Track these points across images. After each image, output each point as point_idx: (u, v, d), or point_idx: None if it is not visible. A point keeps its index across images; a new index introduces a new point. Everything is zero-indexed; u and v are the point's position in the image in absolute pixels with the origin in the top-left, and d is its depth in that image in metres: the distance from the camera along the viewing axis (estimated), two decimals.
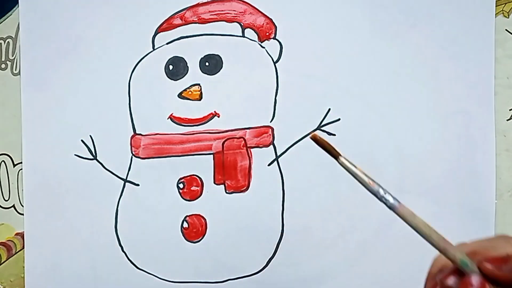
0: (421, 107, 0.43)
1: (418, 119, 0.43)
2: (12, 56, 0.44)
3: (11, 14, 0.44)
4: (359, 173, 0.29)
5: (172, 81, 0.43)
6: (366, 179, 0.29)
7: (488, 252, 0.26)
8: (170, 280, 0.44)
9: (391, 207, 0.29)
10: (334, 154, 0.31)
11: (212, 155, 0.43)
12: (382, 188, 0.29)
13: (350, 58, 0.42)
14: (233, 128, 0.43)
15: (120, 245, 0.44)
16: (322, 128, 0.43)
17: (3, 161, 0.45)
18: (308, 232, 0.43)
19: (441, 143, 0.43)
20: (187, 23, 0.43)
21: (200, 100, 0.43)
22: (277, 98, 0.43)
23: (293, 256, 0.44)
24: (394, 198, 0.29)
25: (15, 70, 0.44)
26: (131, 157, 0.44)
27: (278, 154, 0.44)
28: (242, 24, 0.43)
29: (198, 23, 0.43)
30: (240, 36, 0.43)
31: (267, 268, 0.44)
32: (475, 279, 0.26)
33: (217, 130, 0.43)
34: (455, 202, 0.43)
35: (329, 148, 0.31)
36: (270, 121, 0.43)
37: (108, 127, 0.44)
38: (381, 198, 0.29)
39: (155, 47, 0.43)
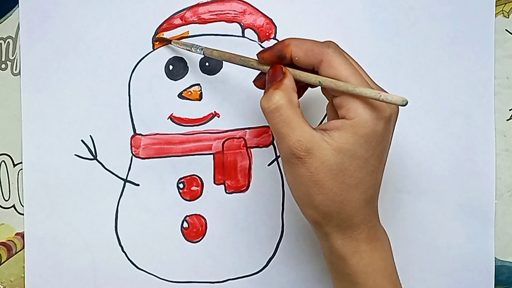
0: (421, 107, 0.43)
1: (418, 119, 0.43)
2: (12, 56, 0.44)
3: (11, 14, 0.44)
4: (180, 46, 0.41)
5: (172, 81, 0.43)
6: (185, 47, 0.41)
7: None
8: (170, 280, 0.44)
9: (204, 54, 0.39)
10: (167, 40, 0.42)
11: (212, 155, 0.43)
12: (195, 46, 0.40)
13: None
14: (233, 128, 0.43)
15: (120, 245, 0.44)
16: None
17: (3, 161, 0.45)
18: (308, 232, 0.43)
19: (441, 143, 0.43)
20: (187, 23, 0.43)
21: (200, 100, 0.43)
22: None
23: (293, 256, 0.44)
24: (201, 47, 0.39)
25: (15, 70, 0.44)
26: (131, 157, 0.44)
27: (278, 154, 0.44)
28: (242, 24, 0.43)
29: (198, 23, 0.43)
30: (240, 36, 0.43)
31: (267, 268, 0.44)
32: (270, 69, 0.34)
33: (217, 130, 0.43)
34: (455, 202, 0.43)
35: (162, 39, 0.43)
36: None
37: (108, 127, 0.44)
38: (195, 52, 0.40)
39: (155, 47, 0.43)
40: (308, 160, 0.31)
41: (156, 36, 0.43)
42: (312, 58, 0.33)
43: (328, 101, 0.36)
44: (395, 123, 0.33)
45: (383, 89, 0.33)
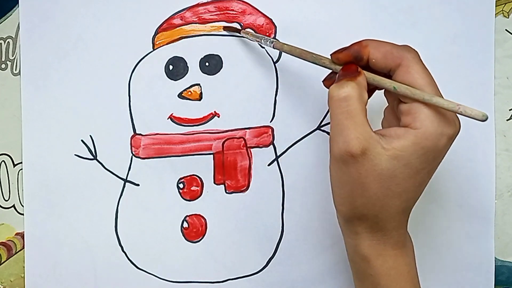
0: None
1: None
2: (12, 56, 0.44)
3: (11, 14, 0.44)
4: (250, 37, 0.41)
5: (172, 81, 0.43)
6: (255, 38, 0.41)
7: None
8: (170, 280, 0.44)
9: (274, 47, 0.38)
10: (237, 30, 0.42)
11: (212, 155, 0.43)
12: (265, 38, 0.39)
13: None
14: (233, 128, 0.43)
15: (120, 245, 0.44)
16: (322, 128, 0.43)
17: (3, 161, 0.45)
18: (308, 232, 0.43)
19: None
20: (187, 23, 0.43)
21: (200, 100, 0.43)
22: (277, 98, 0.43)
23: (293, 256, 0.44)
24: (271, 40, 0.39)
25: (15, 70, 0.44)
26: (131, 157, 0.44)
27: (278, 154, 0.44)
28: (242, 24, 0.43)
29: (198, 23, 0.43)
30: (240, 36, 0.43)
31: (267, 268, 0.44)
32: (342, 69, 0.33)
33: (217, 130, 0.43)
34: (455, 202, 0.43)
35: (232, 29, 0.43)
36: (270, 121, 0.43)
37: (108, 127, 0.44)
38: (265, 44, 0.39)
39: (155, 47, 0.43)
40: (361, 160, 0.30)
41: (226, 25, 0.43)
42: (391, 61, 0.32)
43: (387, 105, 0.35)
44: (453, 142, 0.32)
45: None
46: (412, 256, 0.35)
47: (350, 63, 0.33)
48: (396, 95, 0.32)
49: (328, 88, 0.34)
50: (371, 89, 0.35)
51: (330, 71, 0.35)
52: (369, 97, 0.36)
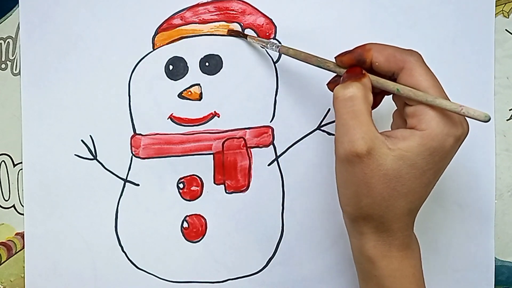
0: None
1: None
2: (12, 56, 0.44)
3: (11, 14, 0.44)
4: (255, 42, 0.42)
5: (172, 81, 0.43)
6: (260, 43, 0.41)
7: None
8: (170, 280, 0.44)
9: (280, 52, 0.39)
10: (242, 34, 0.42)
11: (212, 155, 0.43)
12: (270, 43, 0.40)
13: None
14: (233, 128, 0.43)
15: (120, 245, 0.44)
16: (322, 128, 0.43)
17: (3, 161, 0.45)
18: (308, 232, 0.43)
19: None
20: (187, 23, 0.43)
21: (200, 100, 0.43)
22: (277, 98, 0.43)
23: (293, 256, 0.44)
24: (277, 45, 0.39)
25: (15, 70, 0.44)
26: (131, 157, 0.44)
27: (278, 154, 0.44)
28: (242, 24, 0.43)
29: (198, 23, 0.43)
30: (240, 36, 0.43)
31: (267, 268, 0.44)
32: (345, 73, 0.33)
33: (217, 130, 0.43)
34: (455, 202, 0.43)
35: (237, 33, 0.42)
36: (270, 121, 0.43)
37: (108, 127, 0.44)
38: (271, 49, 0.40)
39: (155, 47, 0.43)
40: (366, 160, 0.30)
41: (230, 29, 0.43)
42: (394, 64, 0.32)
43: (396, 108, 0.35)
44: (461, 143, 0.32)
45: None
46: (418, 258, 0.34)
47: (355, 66, 0.33)
48: (402, 98, 0.33)
49: (332, 91, 0.34)
50: (379, 94, 0.35)
51: (334, 74, 0.35)
52: (378, 103, 0.36)
